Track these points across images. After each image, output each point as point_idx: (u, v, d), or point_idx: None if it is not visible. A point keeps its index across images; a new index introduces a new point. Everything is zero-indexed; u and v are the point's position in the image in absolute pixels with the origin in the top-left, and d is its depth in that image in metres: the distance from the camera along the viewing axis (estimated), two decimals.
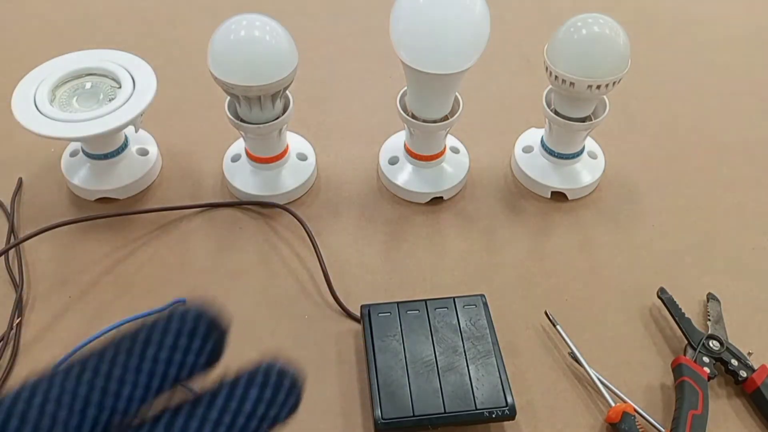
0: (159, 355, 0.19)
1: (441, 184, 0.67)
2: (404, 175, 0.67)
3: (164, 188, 0.68)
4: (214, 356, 0.20)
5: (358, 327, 0.57)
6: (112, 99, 0.62)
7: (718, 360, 0.54)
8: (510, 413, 0.49)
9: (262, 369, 0.19)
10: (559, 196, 0.68)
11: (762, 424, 0.52)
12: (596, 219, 0.67)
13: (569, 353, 0.55)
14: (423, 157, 0.66)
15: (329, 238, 0.63)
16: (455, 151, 0.70)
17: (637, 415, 0.51)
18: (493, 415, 0.49)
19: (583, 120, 0.64)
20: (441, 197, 0.67)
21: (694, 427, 0.50)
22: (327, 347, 0.56)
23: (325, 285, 0.59)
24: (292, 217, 0.65)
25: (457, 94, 0.63)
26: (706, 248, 0.65)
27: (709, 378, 0.53)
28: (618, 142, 0.73)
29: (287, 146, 0.67)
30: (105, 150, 0.65)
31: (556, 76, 0.59)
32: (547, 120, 0.65)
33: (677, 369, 0.54)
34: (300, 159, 0.69)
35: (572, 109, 0.63)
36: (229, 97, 0.61)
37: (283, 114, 0.61)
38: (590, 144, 0.71)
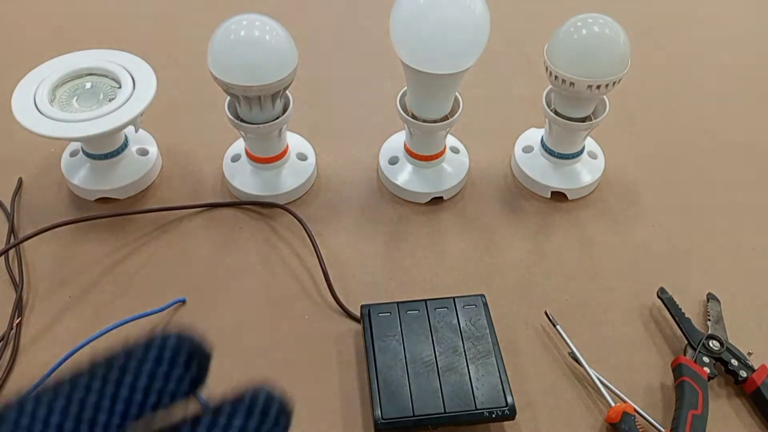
0: (137, 383, 0.18)
1: (441, 184, 0.67)
2: (404, 175, 0.67)
3: (164, 188, 0.68)
4: (196, 383, 0.19)
5: (358, 327, 0.57)
6: (112, 99, 0.62)
7: (718, 360, 0.54)
8: (510, 413, 0.49)
9: (248, 395, 0.18)
10: (559, 196, 0.68)
11: (762, 424, 0.52)
12: (596, 219, 0.67)
13: (569, 353, 0.55)
14: (423, 157, 0.66)
15: (329, 238, 0.63)
16: (455, 151, 0.70)
17: (637, 415, 0.51)
18: (493, 415, 0.49)
19: (583, 120, 0.64)
20: (441, 197, 0.67)
21: (694, 427, 0.50)
22: (327, 347, 0.56)
23: (325, 285, 0.59)
24: (292, 217, 0.65)
25: (457, 94, 0.63)
26: (706, 248, 0.65)
27: (709, 378, 0.53)
28: (618, 142, 0.73)
29: (287, 146, 0.67)
30: (105, 150, 0.65)
31: (556, 76, 0.59)
32: (547, 120, 0.65)
33: (677, 369, 0.54)
34: (300, 159, 0.69)
35: (572, 109, 0.63)
36: (229, 97, 0.61)
37: (283, 114, 0.61)
38: (590, 144, 0.71)
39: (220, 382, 0.20)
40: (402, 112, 0.63)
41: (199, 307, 0.58)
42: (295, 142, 0.70)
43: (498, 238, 0.65)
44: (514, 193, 0.69)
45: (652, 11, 0.94)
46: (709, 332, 0.56)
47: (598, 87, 0.58)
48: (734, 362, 0.54)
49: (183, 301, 0.58)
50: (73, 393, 0.18)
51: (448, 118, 0.62)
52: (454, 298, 0.56)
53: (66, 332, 0.56)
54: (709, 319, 0.57)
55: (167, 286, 0.60)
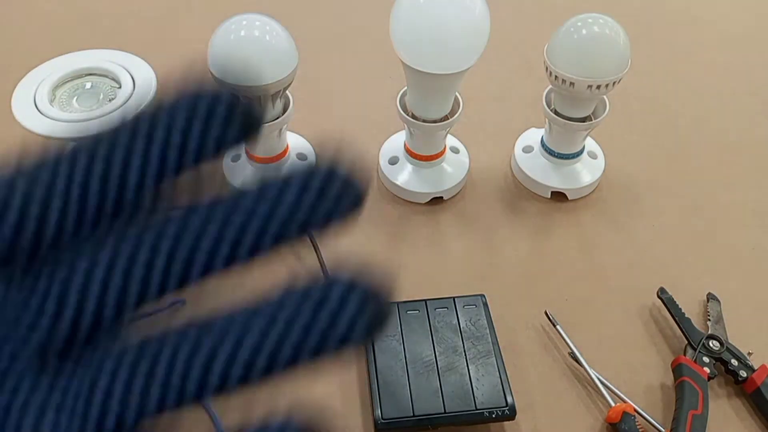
0: (171, 139, 0.15)
1: (441, 184, 0.67)
2: (404, 175, 0.67)
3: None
4: (247, 130, 0.16)
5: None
6: (112, 99, 0.62)
7: (718, 360, 0.54)
8: (510, 413, 0.49)
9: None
10: (559, 196, 0.68)
11: (762, 424, 0.52)
12: (596, 219, 0.67)
13: (569, 353, 0.55)
14: (423, 157, 0.66)
15: (329, 238, 0.63)
16: (455, 151, 0.70)
17: (637, 415, 0.51)
18: (493, 415, 0.49)
19: (583, 120, 0.64)
20: (441, 197, 0.67)
21: (694, 427, 0.50)
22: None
23: None
24: None
25: (457, 94, 0.63)
26: (706, 248, 0.65)
27: (709, 378, 0.53)
28: (618, 142, 0.73)
29: (287, 146, 0.67)
30: None
31: (556, 76, 0.59)
32: (547, 120, 0.65)
33: (677, 369, 0.54)
34: (300, 159, 0.69)
35: (572, 109, 0.63)
36: None
37: (283, 114, 0.61)
38: (590, 144, 0.71)
39: None
40: (402, 112, 0.63)
41: (198, 308, 0.58)
42: (295, 142, 0.70)
43: (498, 238, 0.65)
44: (514, 193, 0.69)
45: (652, 11, 0.94)
46: (709, 332, 0.56)
47: (598, 87, 0.58)
48: (734, 362, 0.54)
49: (182, 302, 0.58)
50: (97, 149, 0.15)
51: (448, 118, 0.62)
52: (454, 298, 0.55)
53: None
54: (709, 319, 0.57)
55: None
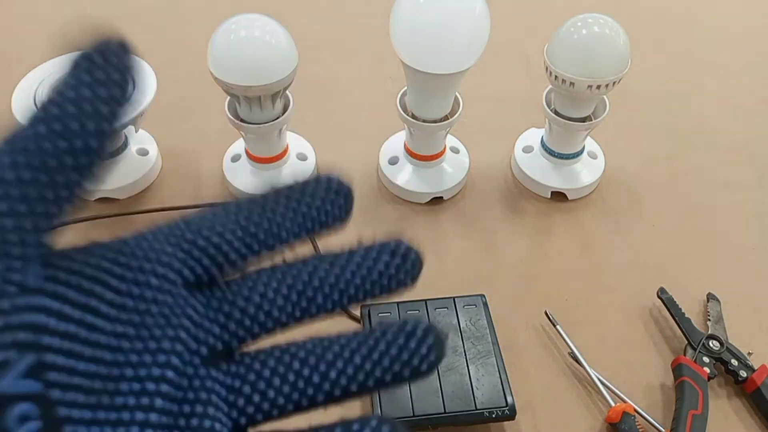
0: (309, 216, 0.22)
1: (441, 184, 0.67)
2: (404, 175, 0.67)
3: (164, 188, 0.68)
4: (344, 217, 0.24)
5: (358, 327, 0.57)
6: None
7: (718, 360, 0.54)
8: (510, 413, 0.49)
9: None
10: (559, 196, 0.68)
11: (762, 424, 0.52)
12: (596, 219, 0.67)
13: (569, 353, 0.55)
14: (423, 157, 0.66)
15: (329, 238, 0.63)
16: (455, 151, 0.70)
17: (637, 415, 0.51)
18: (493, 415, 0.49)
19: (583, 120, 0.64)
20: (441, 197, 0.67)
21: (694, 427, 0.50)
22: None
23: None
24: None
25: (457, 94, 0.63)
26: (706, 248, 0.65)
27: (709, 378, 0.53)
28: (618, 142, 0.73)
29: (287, 146, 0.67)
30: None
31: (556, 76, 0.59)
32: (547, 120, 0.65)
33: (677, 369, 0.54)
34: (300, 159, 0.69)
35: (572, 109, 0.63)
36: (229, 97, 0.61)
37: (283, 114, 0.61)
38: (590, 144, 0.71)
39: None
40: (402, 112, 0.63)
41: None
42: (295, 142, 0.70)
43: (498, 238, 0.65)
44: (514, 193, 0.69)
45: (652, 11, 0.94)
46: (709, 332, 0.56)
47: (598, 87, 0.58)
48: (734, 362, 0.54)
49: None
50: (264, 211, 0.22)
51: (448, 118, 0.62)
52: (454, 298, 0.55)
53: None
54: (709, 319, 0.57)
55: None
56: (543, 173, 0.68)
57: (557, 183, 0.67)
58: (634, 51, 0.59)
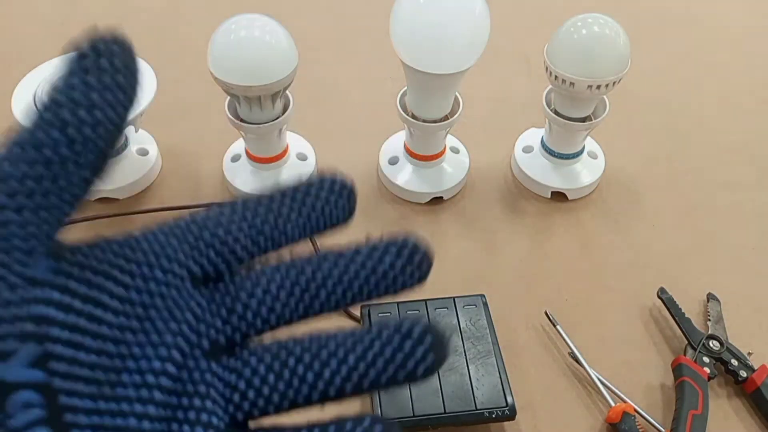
0: (312, 218, 0.23)
1: (441, 184, 0.67)
2: (404, 175, 0.67)
3: (164, 188, 0.68)
4: (348, 217, 0.24)
5: (358, 327, 0.57)
6: None
7: (718, 360, 0.54)
8: (510, 413, 0.49)
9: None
10: (559, 196, 0.68)
11: (762, 424, 0.52)
12: (596, 219, 0.67)
13: (569, 353, 0.55)
14: (423, 157, 0.66)
15: (329, 239, 0.63)
16: (455, 151, 0.70)
17: (637, 415, 0.51)
18: (493, 415, 0.49)
19: (583, 120, 0.64)
20: (441, 197, 0.67)
21: (694, 427, 0.50)
22: None
23: None
24: None
25: (457, 94, 0.63)
26: (706, 248, 0.65)
27: (709, 378, 0.53)
28: (618, 142, 0.73)
29: (287, 146, 0.67)
30: None
31: (556, 76, 0.59)
32: (547, 120, 0.65)
33: (677, 369, 0.54)
34: (300, 159, 0.69)
35: (572, 109, 0.63)
36: (229, 97, 0.61)
37: (283, 114, 0.61)
38: (590, 144, 0.71)
39: None
40: (402, 112, 0.63)
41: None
42: (295, 142, 0.70)
43: (498, 238, 0.65)
44: (514, 193, 0.69)
45: (652, 11, 0.94)
46: (709, 332, 0.56)
47: (598, 87, 0.58)
48: (734, 362, 0.54)
49: None
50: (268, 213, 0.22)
51: (448, 118, 0.62)
52: (454, 298, 0.56)
53: None
54: (709, 319, 0.57)
55: None
56: (543, 173, 0.68)
57: (557, 183, 0.67)
58: (634, 51, 0.59)
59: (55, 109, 0.18)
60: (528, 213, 0.67)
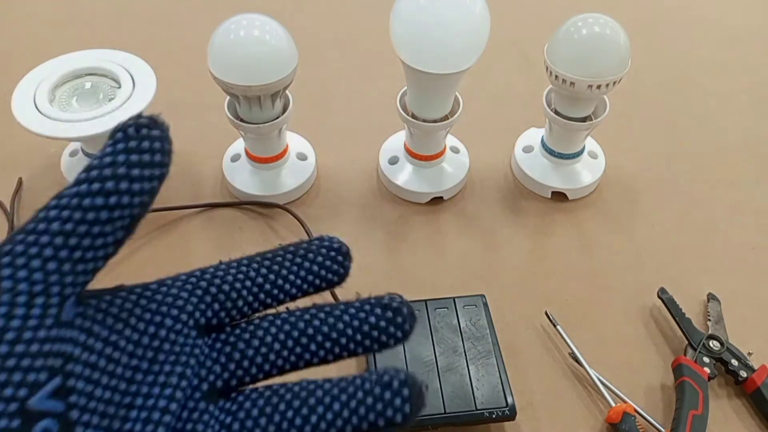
0: (307, 280, 0.25)
1: (441, 184, 0.67)
2: (404, 175, 0.67)
3: (164, 188, 0.67)
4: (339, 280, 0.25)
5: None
6: (112, 99, 0.62)
7: (718, 360, 0.54)
8: (510, 413, 0.49)
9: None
10: (559, 196, 0.68)
11: (762, 424, 0.52)
12: (596, 219, 0.67)
13: (569, 353, 0.55)
14: (423, 157, 0.66)
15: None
16: (455, 151, 0.70)
17: (637, 415, 0.51)
18: (493, 416, 0.49)
19: (583, 120, 0.64)
20: (441, 197, 0.67)
21: (694, 427, 0.50)
22: None
23: None
24: (292, 217, 0.65)
25: (457, 94, 0.63)
26: (706, 248, 0.65)
27: (710, 378, 0.53)
28: (618, 142, 0.73)
29: (287, 146, 0.67)
30: None
31: (556, 76, 0.59)
32: (547, 120, 0.65)
33: (677, 369, 0.54)
34: (300, 159, 0.69)
35: (572, 108, 0.63)
36: (229, 97, 0.61)
37: (283, 114, 0.61)
38: (590, 144, 0.71)
39: None
40: (402, 112, 0.63)
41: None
42: (295, 142, 0.70)
43: (498, 238, 0.65)
44: (514, 193, 0.69)
45: (652, 11, 0.94)
46: (709, 332, 0.56)
47: (598, 87, 0.58)
48: (734, 362, 0.54)
49: None
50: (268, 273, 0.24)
51: (448, 118, 0.62)
52: (454, 298, 0.55)
53: None
54: (709, 319, 0.57)
55: None
56: (543, 173, 0.68)
57: (557, 183, 0.67)
58: (634, 51, 0.59)
59: (101, 180, 0.20)
60: (528, 213, 0.67)
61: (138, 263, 0.61)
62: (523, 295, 0.60)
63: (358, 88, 0.80)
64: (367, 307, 0.24)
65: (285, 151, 0.66)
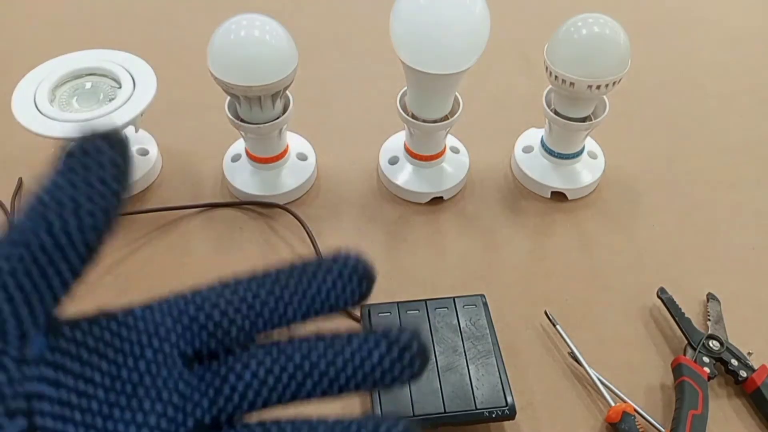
0: (317, 300, 0.22)
1: (441, 184, 0.67)
2: (404, 175, 0.67)
3: (164, 188, 0.68)
4: (362, 298, 0.22)
5: (358, 327, 0.57)
6: (112, 99, 0.62)
7: (718, 360, 0.54)
8: (510, 413, 0.49)
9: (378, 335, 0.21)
10: (559, 196, 0.68)
11: (762, 424, 0.52)
12: (596, 219, 0.67)
13: (569, 353, 0.55)
14: (423, 157, 0.66)
15: (329, 239, 0.63)
16: (455, 151, 0.70)
17: (637, 415, 0.51)
18: (493, 415, 0.49)
19: (583, 120, 0.64)
20: (441, 197, 0.67)
21: (694, 427, 0.50)
22: None
23: None
24: (292, 217, 0.65)
25: (457, 94, 0.63)
26: (706, 248, 0.65)
27: (709, 378, 0.53)
28: (618, 142, 0.73)
29: (287, 146, 0.67)
30: None
31: (556, 76, 0.59)
32: (547, 120, 0.65)
33: (677, 369, 0.54)
34: (300, 159, 0.69)
35: (572, 109, 0.63)
36: (229, 97, 0.61)
37: (283, 114, 0.61)
38: (590, 144, 0.71)
39: None
40: (402, 112, 0.63)
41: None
42: (295, 142, 0.70)
43: (498, 238, 0.65)
44: (514, 193, 0.69)
45: (652, 11, 0.94)
46: (709, 332, 0.56)
47: (598, 87, 0.58)
48: (734, 362, 0.54)
49: None
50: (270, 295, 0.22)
51: (448, 118, 0.62)
52: (454, 298, 0.55)
53: None
54: (709, 319, 0.57)
55: (167, 286, 0.59)
56: (543, 173, 0.68)
57: (557, 183, 0.67)
58: (634, 51, 0.59)
59: (42, 210, 0.19)
60: (528, 213, 0.67)
61: (138, 263, 0.61)
62: (523, 295, 0.60)
63: (358, 88, 0.80)
64: (371, 342, 0.21)
65: (285, 151, 0.66)
